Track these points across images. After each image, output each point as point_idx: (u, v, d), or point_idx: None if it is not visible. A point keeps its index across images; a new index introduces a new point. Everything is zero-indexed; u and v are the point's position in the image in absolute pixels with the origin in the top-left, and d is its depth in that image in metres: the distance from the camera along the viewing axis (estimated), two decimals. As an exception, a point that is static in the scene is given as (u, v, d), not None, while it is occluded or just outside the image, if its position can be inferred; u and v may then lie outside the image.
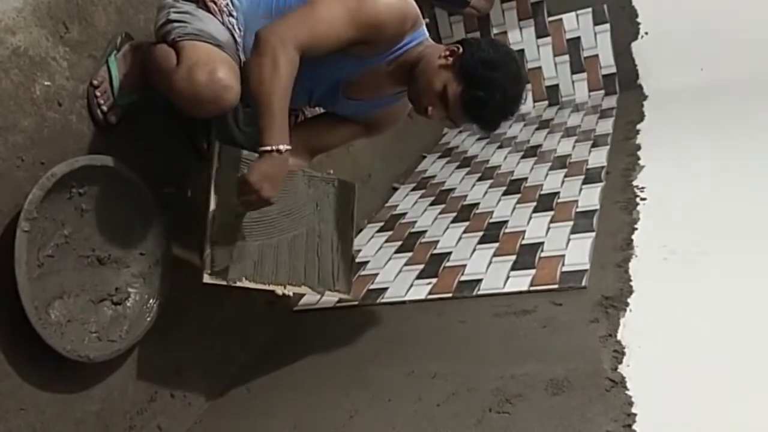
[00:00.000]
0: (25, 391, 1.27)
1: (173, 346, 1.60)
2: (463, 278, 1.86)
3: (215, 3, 1.45)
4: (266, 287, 1.52)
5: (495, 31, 3.37)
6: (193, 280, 1.43)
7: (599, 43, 3.18)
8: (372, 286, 1.98)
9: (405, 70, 1.51)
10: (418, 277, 1.95)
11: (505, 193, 2.37)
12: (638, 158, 2.30)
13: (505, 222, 2.13)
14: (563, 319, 1.54)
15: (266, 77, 1.30)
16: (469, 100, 1.44)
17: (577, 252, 1.79)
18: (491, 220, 2.18)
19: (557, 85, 3.32)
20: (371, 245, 2.28)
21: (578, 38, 3.21)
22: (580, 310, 1.54)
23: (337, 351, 1.73)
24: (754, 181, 1.89)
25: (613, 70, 3.19)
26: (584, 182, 2.24)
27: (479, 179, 2.60)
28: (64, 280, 1.36)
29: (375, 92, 1.61)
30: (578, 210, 2.04)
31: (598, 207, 2.02)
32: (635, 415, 1.17)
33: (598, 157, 2.43)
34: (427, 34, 1.54)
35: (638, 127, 2.64)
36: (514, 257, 1.88)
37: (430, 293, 1.84)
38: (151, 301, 1.48)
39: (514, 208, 2.21)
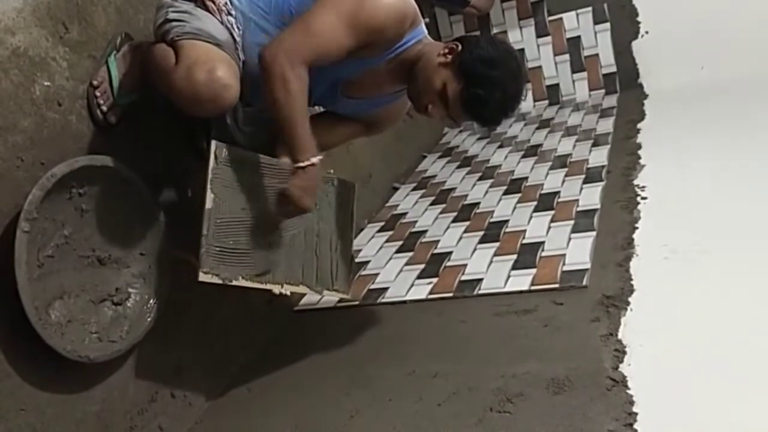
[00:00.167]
0: (25, 391, 1.27)
1: (174, 346, 1.60)
2: (463, 278, 1.86)
3: (214, 2, 1.45)
4: (263, 286, 1.52)
5: (495, 30, 3.37)
6: (193, 280, 1.42)
7: (599, 42, 3.18)
8: (372, 286, 1.98)
9: (404, 69, 1.51)
10: (419, 277, 1.95)
11: (506, 193, 2.37)
12: (639, 157, 2.30)
13: (506, 221, 2.13)
14: (564, 319, 1.53)
15: (281, 101, 1.35)
16: (468, 98, 1.44)
17: (577, 251, 1.79)
18: (492, 220, 2.18)
19: (557, 85, 3.32)
20: (372, 245, 2.28)
21: (578, 37, 3.21)
22: (581, 309, 1.54)
23: (337, 351, 1.73)
24: (755, 180, 1.88)
25: (614, 69, 3.19)
26: (585, 181, 2.24)
27: (480, 179, 2.59)
28: (65, 280, 1.35)
29: (374, 91, 1.61)
30: (579, 209, 2.04)
31: (598, 206, 2.01)
32: (636, 414, 1.17)
33: (599, 157, 2.43)
34: (426, 32, 1.54)
35: (639, 126, 2.64)
36: (514, 257, 1.88)
37: (430, 293, 1.84)
38: (151, 301, 1.48)
39: (514, 208, 2.21)
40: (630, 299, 1.51)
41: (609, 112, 2.94)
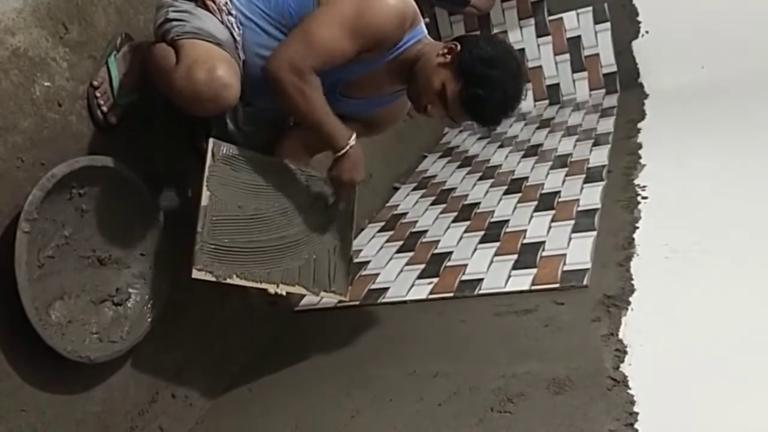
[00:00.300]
0: (25, 391, 1.26)
1: (174, 347, 1.60)
2: (464, 278, 1.86)
3: (214, 1, 1.45)
4: (258, 285, 1.51)
5: (495, 30, 3.37)
6: (193, 280, 1.42)
7: (600, 42, 3.17)
8: (373, 286, 1.98)
9: (404, 69, 1.51)
10: (419, 277, 1.95)
11: (506, 193, 2.37)
12: (639, 157, 2.30)
13: (506, 221, 2.12)
14: (565, 318, 1.53)
15: (303, 109, 1.43)
16: (468, 98, 1.44)
17: (578, 251, 1.78)
18: (492, 220, 2.18)
19: (558, 84, 3.31)
20: (372, 245, 2.28)
21: (579, 37, 3.21)
22: (581, 309, 1.54)
23: (338, 351, 1.73)
24: (755, 179, 1.88)
25: (614, 68, 3.18)
26: (585, 181, 2.24)
27: (480, 179, 2.59)
28: (65, 280, 1.35)
29: (374, 91, 1.61)
30: (579, 209, 2.04)
31: (599, 206, 2.01)
32: (637, 414, 1.17)
33: (599, 156, 2.43)
34: (426, 31, 1.54)
35: (639, 125, 2.64)
36: (515, 256, 1.88)
37: (431, 293, 1.84)
38: (151, 301, 1.48)
39: (515, 208, 2.21)
40: (631, 299, 1.51)
41: (609, 111, 2.93)
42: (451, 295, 1.80)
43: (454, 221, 2.26)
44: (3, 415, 1.22)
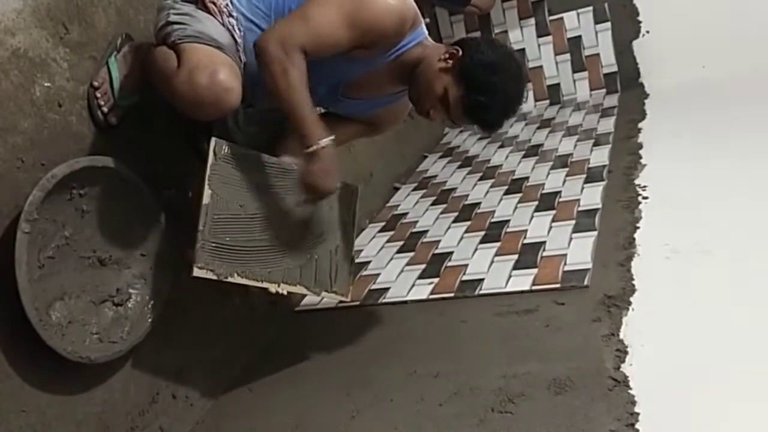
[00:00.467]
0: (25, 392, 1.26)
1: (174, 347, 1.60)
2: (464, 278, 1.86)
3: (215, 4, 1.45)
4: (259, 284, 1.51)
5: (496, 30, 3.37)
6: (193, 280, 1.42)
7: (600, 42, 3.17)
8: (373, 287, 1.98)
9: (405, 70, 1.51)
10: (420, 277, 1.95)
11: (507, 193, 2.37)
12: (640, 157, 2.30)
13: (507, 221, 2.12)
14: (565, 319, 1.53)
15: (283, 88, 1.36)
16: (470, 104, 1.45)
17: (579, 251, 1.78)
18: (493, 220, 2.17)
19: (558, 84, 3.31)
20: (373, 245, 2.28)
21: (579, 37, 3.21)
22: (582, 309, 1.54)
23: (338, 351, 1.73)
24: (756, 179, 1.88)
25: (615, 68, 3.18)
26: (586, 181, 2.24)
27: (480, 179, 2.59)
28: (65, 281, 1.35)
29: (375, 91, 1.61)
30: (580, 209, 2.04)
31: (599, 206, 2.01)
32: (638, 414, 1.17)
33: (600, 156, 2.43)
34: (427, 33, 1.54)
35: (640, 125, 2.64)
36: (515, 257, 1.88)
37: (431, 293, 1.84)
38: (152, 301, 1.48)
39: (515, 208, 2.21)
40: (631, 299, 1.51)
41: (610, 111, 2.93)
42: (452, 295, 1.80)
43: (454, 221, 2.26)
44: (3, 416, 1.22)
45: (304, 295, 1.89)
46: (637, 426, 1.15)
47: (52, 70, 1.38)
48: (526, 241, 1.95)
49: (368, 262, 2.15)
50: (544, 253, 1.84)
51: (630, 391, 1.23)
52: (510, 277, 1.78)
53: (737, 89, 2.70)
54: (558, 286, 1.66)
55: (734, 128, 2.31)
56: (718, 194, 1.88)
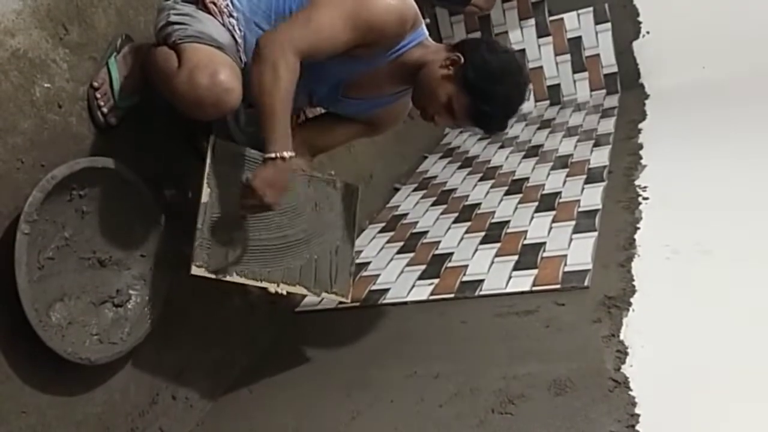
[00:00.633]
0: (26, 393, 1.26)
1: (175, 348, 1.60)
2: (465, 279, 1.85)
3: (215, 4, 1.45)
4: (258, 284, 1.51)
5: (496, 30, 3.36)
6: (193, 281, 1.42)
7: (600, 43, 3.17)
8: (374, 287, 1.98)
9: (405, 71, 1.51)
10: (420, 278, 1.95)
11: (507, 193, 2.37)
12: (640, 157, 2.30)
13: (507, 222, 2.12)
14: (566, 319, 1.53)
15: (267, 86, 1.32)
16: (475, 113, 1.47)
17: (579, 252, 1.78)
18: (493, 221, 2.17)
19: (558, 85, 3.31)
20: (373, 246, 2.27)
21: (579, 37, 3.21)
22: (582, 310, 1.54)
23: (338, 352, 1.73)
24: (756, 179, 1.88)
25: (615, 69, 3.18)
26: (586, 182, 2.24)
27: (481, 179, 2.59)
28: (65, 282, 1.35)
29: (375, 91, 1.60)
30: (580, 209, 2.04)
31: (600, 206, 2.01)
32: (638, 415, 1.17)
33: (600, 157, 2.43)
34: (427, 33, 1.54)
35: (640, 126, 2.64)
36: (516, 257, 1.88)
37: (431, 294, 1.84)
38: (152, 302, 1.48)
39: (515, 208, 2.21)
40: (632, 300, 1.51)
41: (610, 112, 2.93)
42: (452, 296, 1.80)
43: (454, 222, 2.26)
44: (3, 417, 1.22)
45: (304, 296, 1.88)
46: (637, 427, 1.14)
47: (51, 71, 1.38)
48: (526, 242, 1.94)
49: (368, 263, 2.15)
50: (545, 254, 1.84)
51: (630, 392, 1.23)
52: (510, 277, 1.78)
53: (737, 89, 2.70)
54: (558, 286, 1.66)
55: (734, 128, 2.31)
56: (718, 194, 1.88)
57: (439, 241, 2.14)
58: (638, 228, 1.81)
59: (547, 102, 3.35)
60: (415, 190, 2.70)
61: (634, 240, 1.75)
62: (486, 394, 1.37)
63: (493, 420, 1.29)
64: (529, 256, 1.86)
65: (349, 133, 1.75)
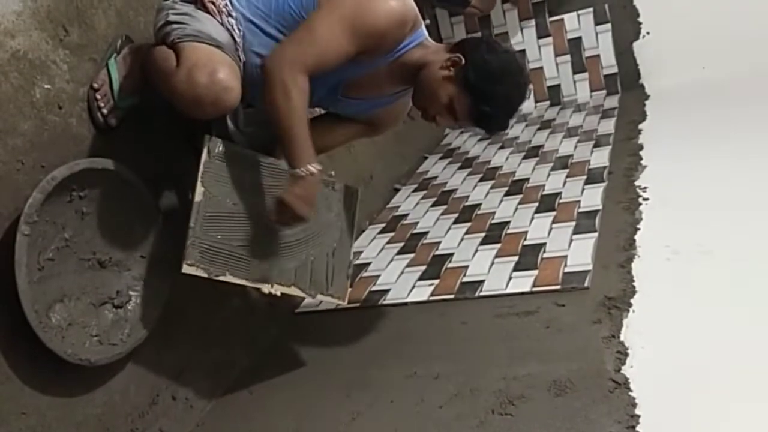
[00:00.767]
0: (26, 394, 1.26)
1: (174, 349, 1.60)
2: (465, 279, 1.85)
3: (214, 3, 1.45)
4: (251, 284, 1.50)
5: (496, 31, 3.37)
6: (193, 281, 1.42)
7: (601, 43, 3.17)
8: (374, 288, 1.98)
9: (406, 72, 1.51)
10: (420, 279, 1.95)
11: (507, 194, 2.37)
12: (640, 158, 2.30)
13: (507, 223, 2.12)
14: (566, 320, 1.53)
15: (283, 110, 1.36)
16: (477, 114, 1.47)
17: (579, 252, 1.78)
18: (493, 221, 2.17)
19: (559, 86, 3.31)
20: (373, 247, 2.27)
21: (579, 38, 3.21)
22: (582, 310, 1.54)
23: (338, 353, 1.73)
24: (756, 179, 1.88)
25: (615, 69, 3.18)
26: (586, 182, 2.24)
27: (481, 180, 2.59)
28: (65, 283, 1.35)
29: (375, 91, 1.60)
30: (580, 210, 2.04)
31: (600, 207, 2.01)
32: (639, 416, 1.17)
33: (600, 157, 2.43)
34: (427, 34, 1.54)
35: (640, 126, 2.64)
36: (516, 258, 1.88)
37: (432, 294, 1.84)
38: (152, 303, 1.48)
39: (515, 209, 2.21)
40: (632, 301, 1.51)
41: (610, 112, 2.93)
42: (452, 296, 1.80)
43: (455, 223, 2.26)
44: (3, 418, 1.22)
45: (303, 297, 1.88)
46: (637, 428, 1.14)
47: (51, 72, 1.38)
48: (526, 243, 1.94)
49: (368, 264, 2.15)
50: (545, 255, 1.84)
51: (630, 393, 1.23)
52: (510, 278, 1.78)
53: (737, 90, 2.70)
54: (558, 287, 1.66)
55: (734, 128, 2.31)
56: (718, 194, 1.88)
57: (440, 242, 2.14)
58: (638, 229, 1.81)
59: (548, 102, 3.35)
60: (415, 190, 2.70)
61: (635, 241, 1.75)
62: (486, 394, 1.37)
63: (493, 421, 1.29)
64: (529, 256, 1.86)
65: (349, 133, 1.75)
